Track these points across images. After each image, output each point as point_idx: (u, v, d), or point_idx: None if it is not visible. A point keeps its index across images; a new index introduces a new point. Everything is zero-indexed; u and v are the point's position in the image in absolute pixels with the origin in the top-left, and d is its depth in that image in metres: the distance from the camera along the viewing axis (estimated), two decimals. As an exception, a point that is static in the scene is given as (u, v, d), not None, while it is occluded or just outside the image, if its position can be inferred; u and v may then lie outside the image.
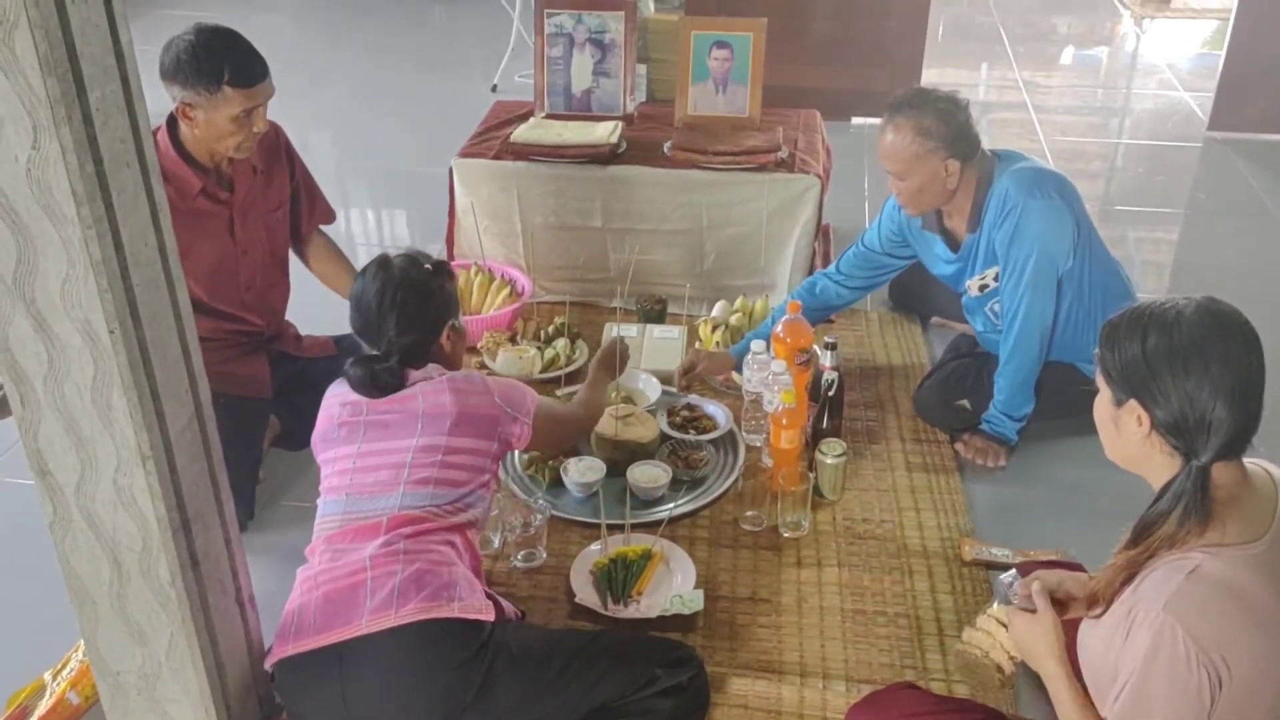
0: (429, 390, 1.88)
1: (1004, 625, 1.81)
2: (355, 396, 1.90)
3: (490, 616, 1.73)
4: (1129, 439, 1.43)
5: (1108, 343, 1.44)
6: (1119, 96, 5.63)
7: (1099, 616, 1.45)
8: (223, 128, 2.28)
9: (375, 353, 1.92)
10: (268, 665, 1.76)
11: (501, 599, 1.86)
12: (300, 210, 2.68)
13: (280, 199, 2.60)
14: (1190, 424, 1.35)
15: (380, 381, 1.88)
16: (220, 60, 2.23)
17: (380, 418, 1.88)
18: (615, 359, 2.42)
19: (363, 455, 1.86)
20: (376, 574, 1.72)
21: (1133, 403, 1.40)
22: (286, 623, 1.75)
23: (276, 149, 2.58)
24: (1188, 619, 1.30)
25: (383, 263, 1.97)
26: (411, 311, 1.91)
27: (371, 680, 1.68)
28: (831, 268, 2.83)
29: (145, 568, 1.55)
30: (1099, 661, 1.44)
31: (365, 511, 1.81)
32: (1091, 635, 1.48)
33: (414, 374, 1.91)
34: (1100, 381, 1.47)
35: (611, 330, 2.97)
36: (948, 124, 2.42)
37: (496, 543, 2.29)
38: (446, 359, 2.00)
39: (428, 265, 1.98)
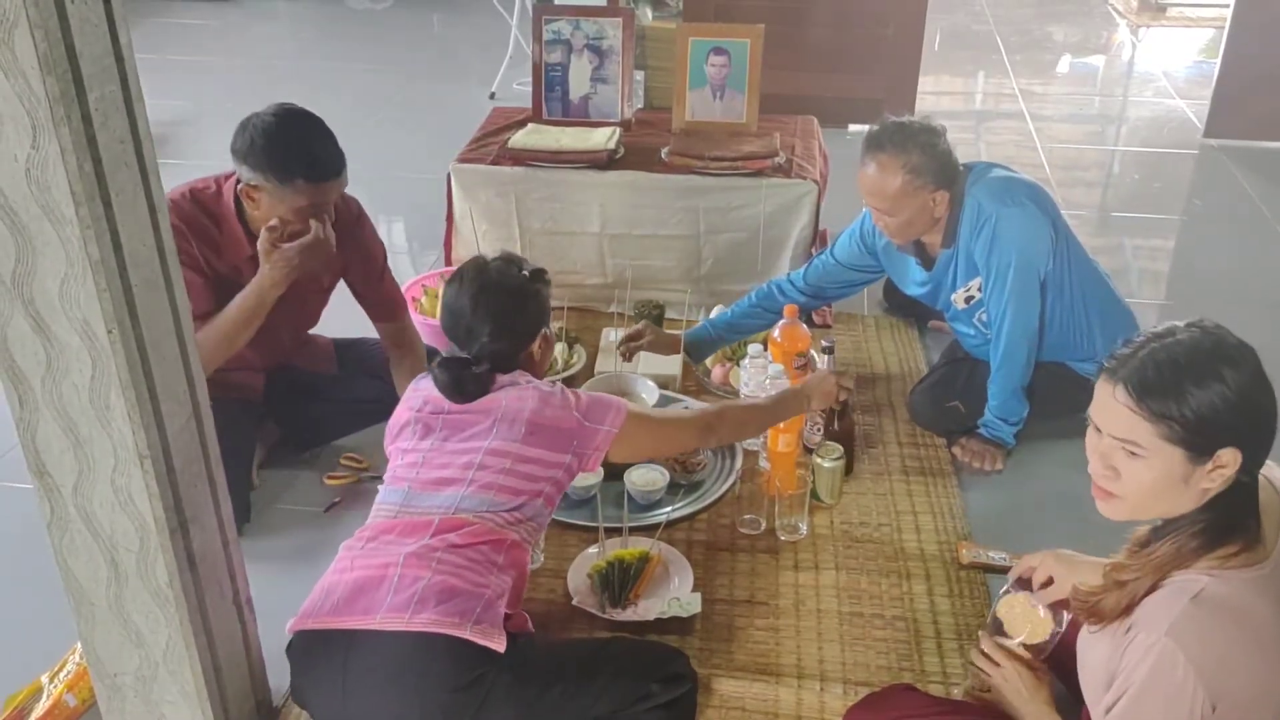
0: (513, 396, 1.86)
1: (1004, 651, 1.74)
2: (438, 394, 1.89)
3: (500, 647, 1.66)
4: (1199, 487, 1.33)
5: (1176, 401, 1.29)
6: (1115, 104, 5.66)
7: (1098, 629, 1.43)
8: (285, 216, 2.18)
9: (463, 355, 1.89)
10: (288, 630, 1.74)
11: (526, 623, 1.84)
12: (363, 290, 2.54)
13: (334, 276, 2.49)
14: (1271, 440, 1.32)
15: (465, 389, 1.86)
16: (299, 154, 2.15)
17: (459, 417, 1.87)
18: (832, 391, 2.29)
19: (434, 451, 1.86)
20: (405, 573, 1.70)
21: (1227, 451, 1.30)
22: (316, 595, 1.73)
23: (345, 225, 2.40)
24: (1190, 646, 1.28)
25: (479, 266, 1.94)
26: (507, 318, 1.90)
27: (371, 677, 1.67)
28: (797, 275, 2.80)
29: (143, 569, 1.55)
30: (1099, 674, 1.43)
31: (422, 507, 1.80)
32: (1091, 649, 1.46)
33: (501, 378, 1.89)
34: (1161, 448, 1.31)
35: (609, 335, 2.98)
36: (933, 156, 2.40)
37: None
38: (535, 366, 1.97)
39: (524, 271, 1.94)
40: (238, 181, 2.24)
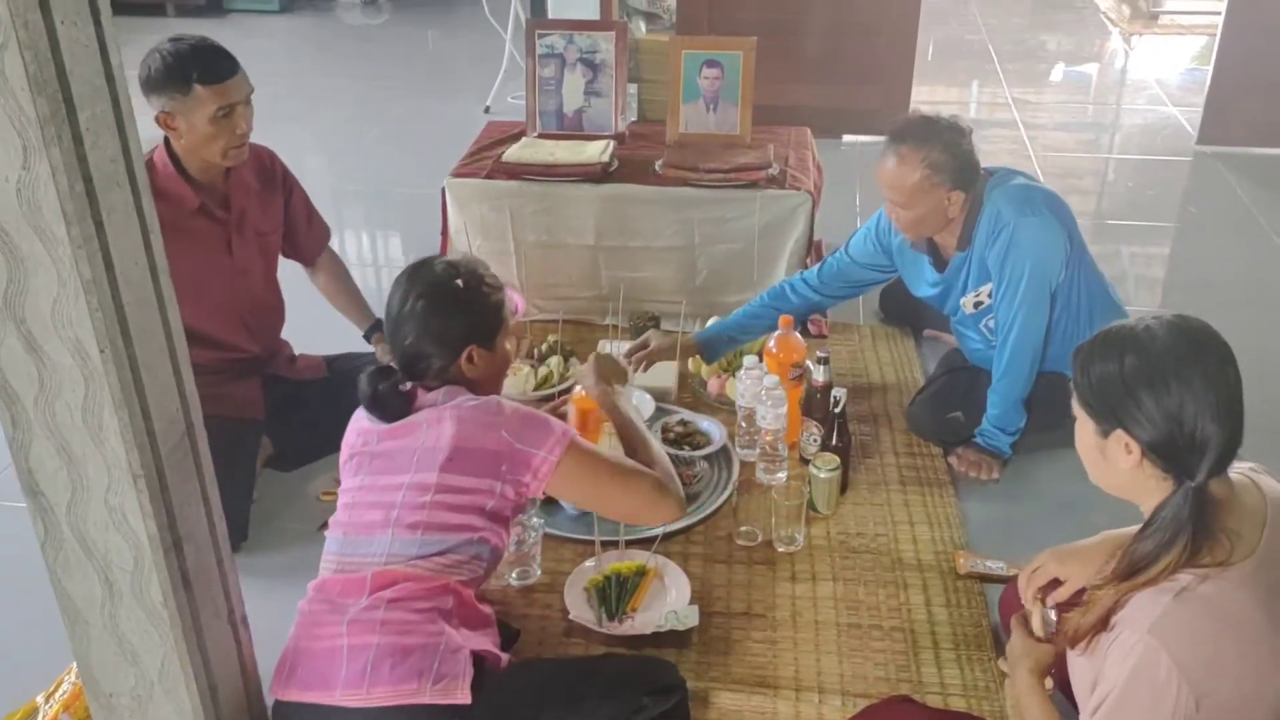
0: (432, 418, 1.74)
1: None
2: (368, 423, 1.80)
3: (465, 700, 1.60)
4: (1118, 468, 1.40)
5: (1081, 369, 1.42)
6: (1108, 112, 5.67)
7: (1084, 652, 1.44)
8: (204, 130, 2.30)
9: (388, 366, 1.81)
10: (270, 694, 1.72)
11: (496, 639, 1.78)
12: (299, 231, 2.71)
13: (275, 223, 2.62)
14: (1180, 445, 1.33)
15: (381, 400, 1.77)
16: (187, 62, 2.26)
17: (384, 447, 1.77)
18: (609, 371, 2.19)
19: (362, 490, 1.77)
20: (353, 643, 1.63)
21: (1118, 432, 1.37)
22: (282, 661, 1.71)
23: (272, 173, 2.60)
24: (1173, 644, 1.28)
25: (419, 264, 1.85)
26: (427, 323, 1.79)
27: None
28: (811, 273, 2.81)
29: (137, 588, 1.54)
30: (1085, 675, 1.44)
31: (356, 557, 1.73)
32: (1078, 660, 1.47)
33: (425, 396, 1.79)
34: (1079, 411, 1.44)
35: (605, 347, 2.98)
36: (955, 155, 2.40)
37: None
38: (470, 384, 1.83)
39: (459, 280, 1.82)
40: (166, 139, 2.36)
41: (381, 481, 1.76)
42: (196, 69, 2.26)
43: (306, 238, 2.74)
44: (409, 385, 1.82)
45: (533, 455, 1.76)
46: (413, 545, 1.71)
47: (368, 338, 2.82)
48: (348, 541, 1.76)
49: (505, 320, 1.90)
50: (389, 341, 1.87)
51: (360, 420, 1.85)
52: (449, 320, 1.81)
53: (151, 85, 2.28)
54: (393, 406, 1.78)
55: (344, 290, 2.84)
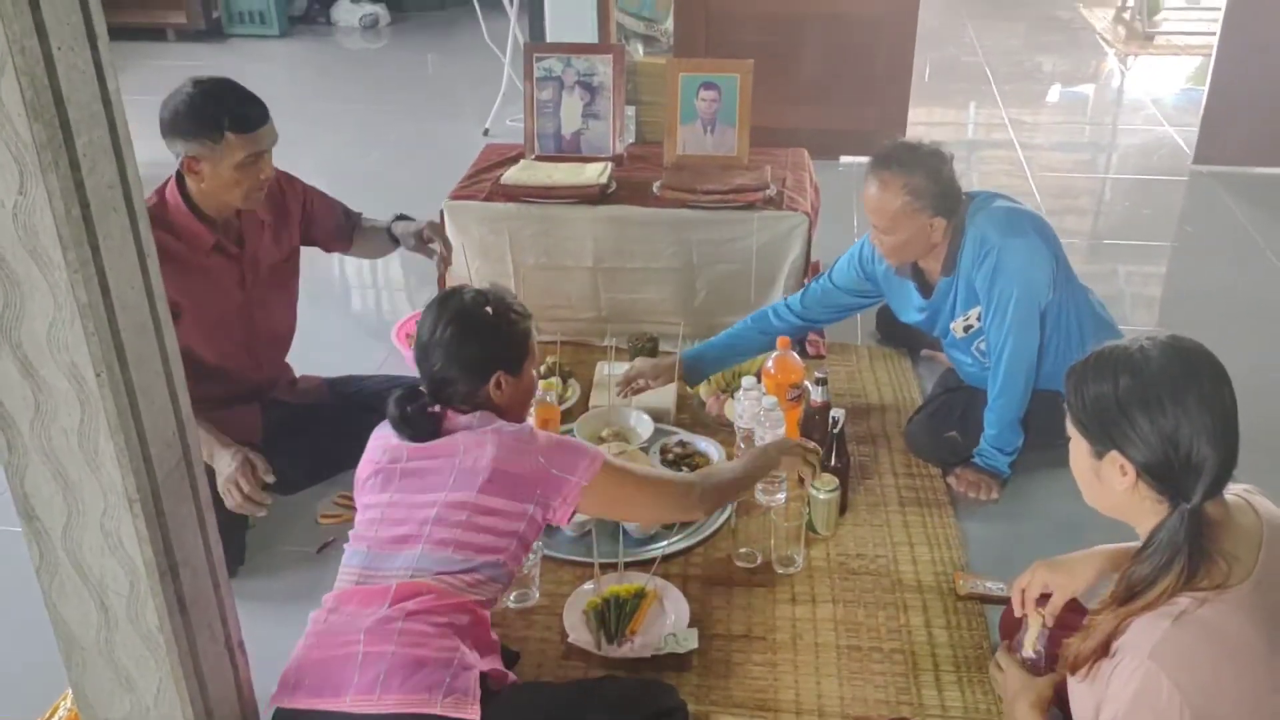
0: (471, 441, 1.79)
1: None
2: (396, 440, 1.83)
3: (476, 716, 1.61)
4: (1113, 489, 1.41)
5: (1075, 390, 1.42)
6: (1105, 132, 5.69)
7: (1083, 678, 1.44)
8: (229, 177, 2.26)
9: (417, 389, 1.85)
10: (270, 701, 1.71)
11: (500, 666, 1.78)
12: (327, 236, 2.72)
13: (289, 250, 2.60)
14: (1175, 466, 1.33)
15: (411, 422, 1.81)
16: (219, 109, 2.22)
17: (417, 465, 1.80)
18: (804, 456, 2.19)
19: (391, 505, 1.79)
20: (369, 651, 1.64)
21: (1113, 454, 1.38)
22: (289, 669, 1.71)
23: (284, 203, 2.57)
24: (1173, 667, 1.28)
25: (451, 292, 1.91)
26: (457, 350, 1.83)
27: None
28: (794, 299, 2.81)
29: (133, 613, 1.54)
30: (1087, 700, 1.43)
31: (380, 570, 1.74)
32: (1079, 686, 1.47)
33: (458, 419, 1.83)
34: (1073, 432, 1.44)
35: (604, 369, 2.98)
36: (936, 181, 2.42)
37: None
38: (498, 409, 1.88)
39: (488, 307, 1.87)
40: (178, 176, 2.32)
41: (414, 498, 1.79)
42: (229, 116, 2.22)
43: (336, 236, 2.73)
44: (438, 407, 1.85)
45: (565, 481, 1.81)
46: (441, 561, 1.74)
47: (390, 233, 2.76)
48: (372, 556, 1.78)
49: (532, 349, 1.95)
50: (418, 366, 1.89)
51: (387, 437, 1.87)
52: (477, 347, 1.85)
53: (177, 130, 2.23)
54: (422, 427, 1.82)
55: (373, 244, 2.81)
